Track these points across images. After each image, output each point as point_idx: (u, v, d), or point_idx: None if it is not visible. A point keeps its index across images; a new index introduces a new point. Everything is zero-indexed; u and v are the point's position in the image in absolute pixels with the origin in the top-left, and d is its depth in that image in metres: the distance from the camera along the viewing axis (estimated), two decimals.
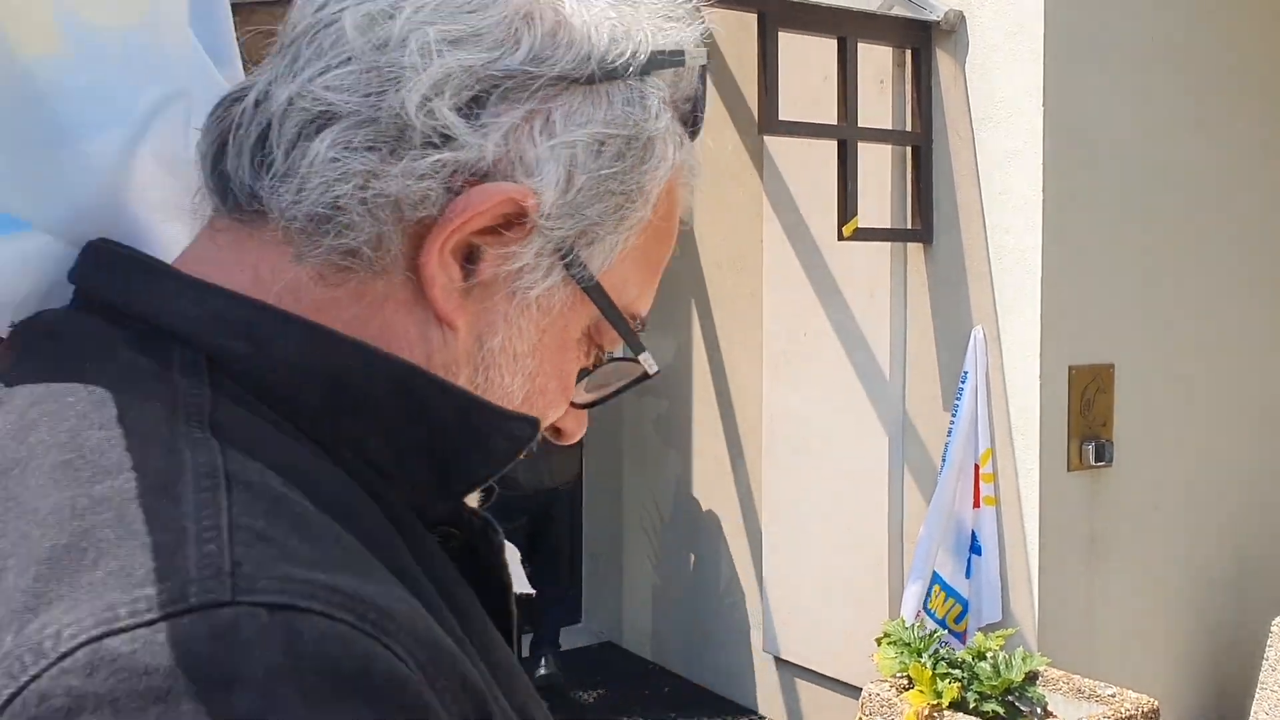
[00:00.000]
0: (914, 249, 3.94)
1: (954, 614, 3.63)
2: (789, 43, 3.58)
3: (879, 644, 3.26)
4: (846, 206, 3.67)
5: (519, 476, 4.89)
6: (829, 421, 4.21)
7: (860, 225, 3.70)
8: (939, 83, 3.83)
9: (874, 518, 4.04)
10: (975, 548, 3.66)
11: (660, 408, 5.32)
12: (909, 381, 3.98)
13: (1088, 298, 3.63)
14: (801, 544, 4.36)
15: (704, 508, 5.04)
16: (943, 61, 3.81)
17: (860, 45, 3.70)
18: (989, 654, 3.07)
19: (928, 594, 3.56)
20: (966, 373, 3.66)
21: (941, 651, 3.14)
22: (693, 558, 5.12)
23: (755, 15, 4.46)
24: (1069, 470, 3.63)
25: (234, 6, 0.90)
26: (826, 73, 4.04)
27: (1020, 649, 3.04)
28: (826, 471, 4.23)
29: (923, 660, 3.07)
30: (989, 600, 3.64)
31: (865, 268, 4.05)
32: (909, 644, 3.14)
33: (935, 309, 3.87)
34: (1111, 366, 3.68)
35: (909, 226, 3.93)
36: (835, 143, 3.90)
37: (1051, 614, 3.60)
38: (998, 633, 3.19)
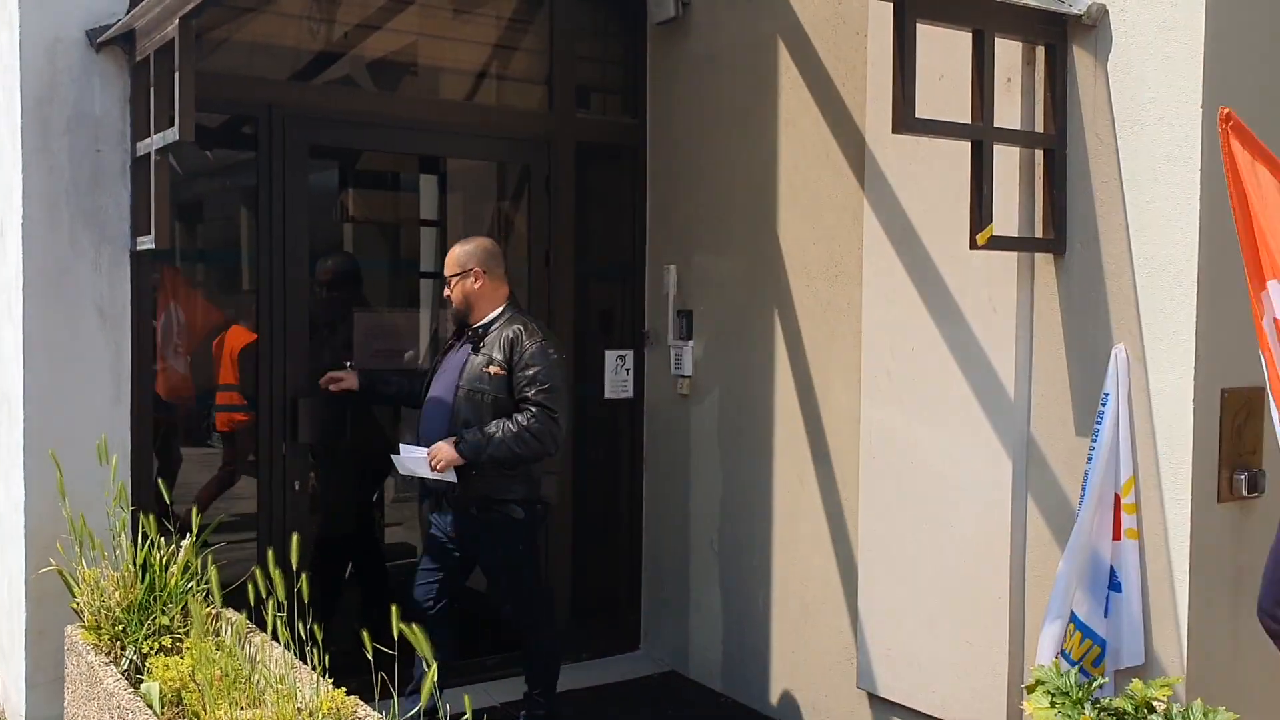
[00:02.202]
0: (1043, 260, 3.67)
1: (1091, 656, 3.35)
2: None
3: (1028, 692, 2.98)
4: (980, 212, 3.40)
5: (548, 487, 4.62)
6: (940, 444, 3.93)
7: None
8: (1075, 82, 3.56)
9: (993, 548, 3.76)
10: (1114, 584, 3.38)
11: (734, 422, 5.04)
12: (1034, 403, 3.70)
13: (1245, 315, 3.35)
14: (905, 574, 4.07)
15: (784, 531, 4.76)
16: (1080, 58, 3.54)
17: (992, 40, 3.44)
18: (1158, 704, 2.79)
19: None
20: (1107, 395, 3.38)
21: (1102, 702, 2.86)
22: (771, 583, 4.83)
23: (865, 11, 4.21)
24: (1219, 502, 3.36)
25: None
26: (943, 71, 3.78)
27: (1199, 701, 2.75)
28: (937, 498, 3.94)
29: (1086, 712, 2.78)
30: (1130, 642, 3.36)
31: (986, 278, 3.78)
32: (1067, 693, 2.86)
33: (1067, 324, 3.60)
34: (1264, 389, 3.40)
35: (1038, 235, 3.66)
36: (951, 144, 3.65)
37: (1201, 657, 3.32)
38: (1160, 680, 2.90)
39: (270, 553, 2.79)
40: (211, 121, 5.06)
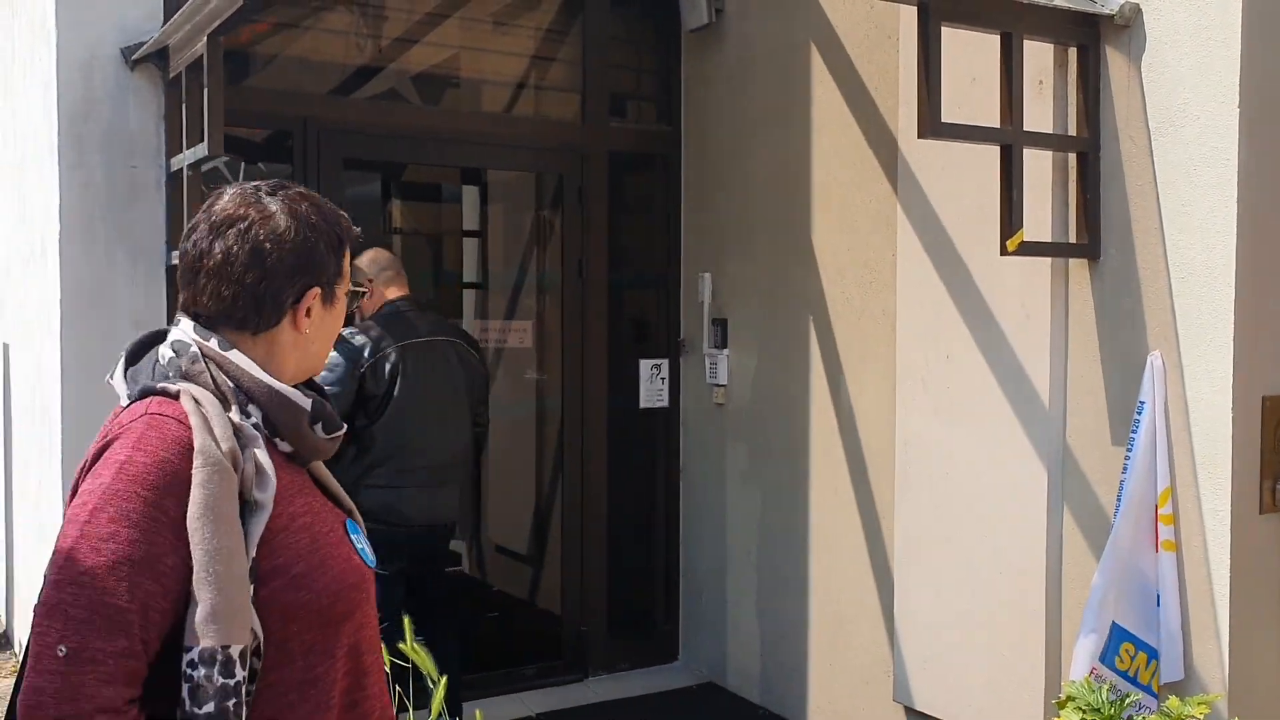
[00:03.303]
0: (1077, 265, 3.59)
1: (1156, 674, 3.26)
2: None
3: (1059, 707, 2.91)
4: (1011, 218, 3.33)
5: (405, 509, 4.18)
6: (976, 453, 3.86)
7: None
8: (1108, 84, 3.49)
9: (1029, 560, 3.68)
10: (1156, 597, 3.29)
11: (769, 431, 5.00)
12: (1070, 411, 3.62)
13: None
14: (941, 586, 4.01)
15: (820, 542, 4.70)
16: (1113, 60, 3.47)
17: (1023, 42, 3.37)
18: None
19: (1108, 649, 3.20)
20: (1143, 403, 3.30)
21: (1136, 718, 2.78)
22: (808, 595, 4.78)
23: (897, 16, 4.16)
24: (1261, 513, 3.26)
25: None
26: (974, 74, 3.72)
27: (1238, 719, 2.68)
28: (972, 508, 3.88)
29: None
30: (1169, 657, 3.27)
31: (1019, 285, 3.71)
32: (1099, 709, 2.79)
33: (1102, 331, 3.52)
34: None
35: (1071, 240, 3.58)
36: (983, 149, 3.59)
37: (1244, 673, 3.22)
38: (1198, 697, 2.82)
39: None
40: (253, 135, 5.12)
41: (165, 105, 4.18)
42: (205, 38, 3.57)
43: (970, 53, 3.62)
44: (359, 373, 4.09)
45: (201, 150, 3.70)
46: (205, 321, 1.57)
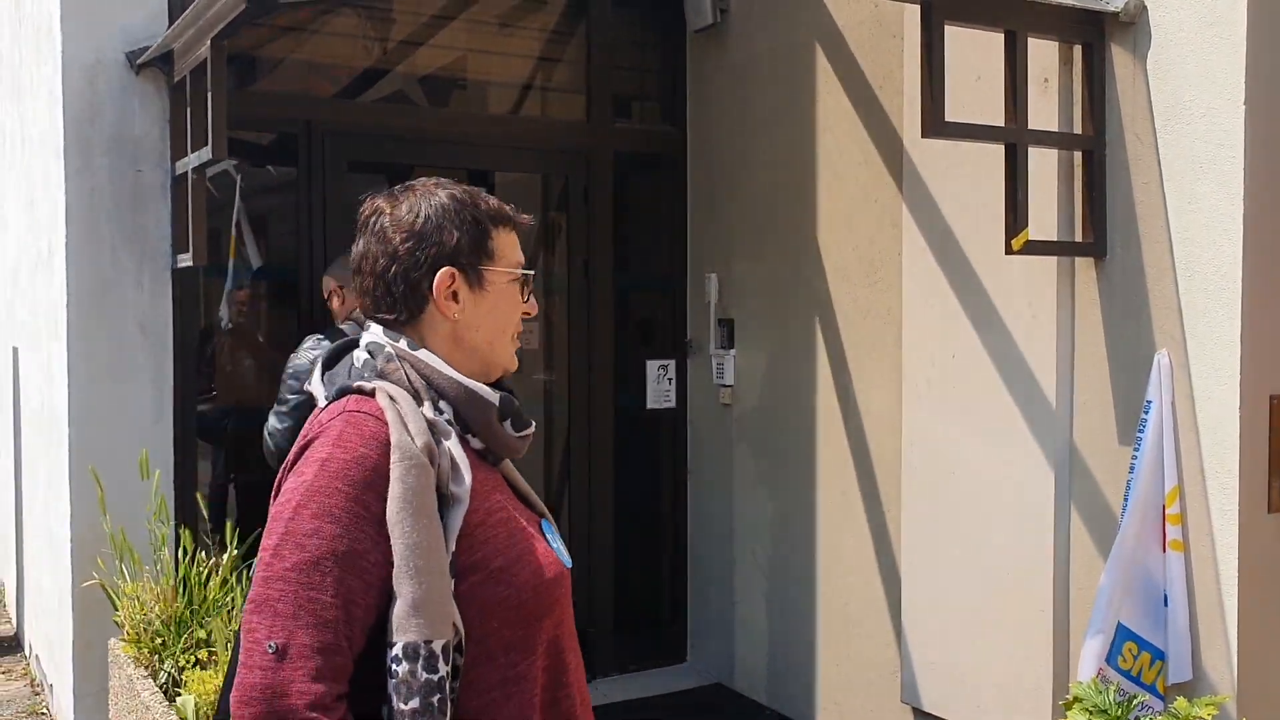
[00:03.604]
0: (1083, 264, 3.58)
1: (1161, 675, 3.24)
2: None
3: (1066, 708, 2.90)
4: (1016, 216, 3.32)
5: None
6: (982, 454, 3.85)
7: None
8: (1113, 81, 3.47)
9: (1037, 561, 3.67)
10: (1163, 597, 3.27)
11: (776, 432, 4.99)
12: (1076, 410, 3.60)
13: None
14: (948, 587, 3.99)
15: (828, 542, 4.69)
16: (1118, 57, 3.45)
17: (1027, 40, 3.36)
18: None
19: (1113, 650, 3.18)
20: (1150, 402, 3.28)
21: (1144, 718, 2.77)
22: (815, 596, 4.77)
23: (901, 14, 4.15)
24: (1269, 512, 3.24)
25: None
26: (980, 73, 3.71)
27: None
28: (979, 509, 3.86)
29: None
30: (1177, 657, 3.25)
31: (1025, 284, 3.69)
32: (1105, 710, 2.77)
33: (1109, 330, 3.50)
34: None
35: (1077, 239, 3.57)
36: (988, 147, 3.58)
37: (1253, 674, 3.20)
38: (1206, 699, 2.81)
39: None
40: (259, 139, 5.13)
41: (170, 109, 4.18)
42: (209, 42, 3.57)
43: (975, 51, 3.61)
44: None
45: (206, 154, 3.70)
46: (381, 321, 1.60)
